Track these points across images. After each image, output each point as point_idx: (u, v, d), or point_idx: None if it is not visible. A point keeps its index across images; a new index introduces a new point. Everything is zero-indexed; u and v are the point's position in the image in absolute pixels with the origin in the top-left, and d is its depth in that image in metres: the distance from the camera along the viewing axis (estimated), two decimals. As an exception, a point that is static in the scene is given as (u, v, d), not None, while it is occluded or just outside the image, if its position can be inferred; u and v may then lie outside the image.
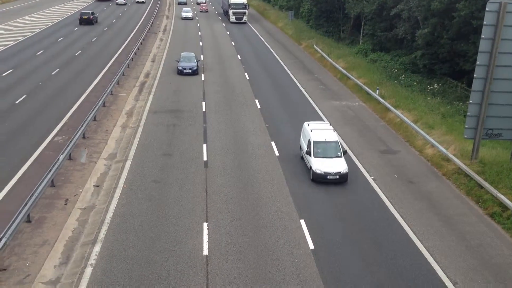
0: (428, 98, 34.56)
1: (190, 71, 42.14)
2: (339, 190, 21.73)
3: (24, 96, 34.23)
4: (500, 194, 20.16)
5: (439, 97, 34.95)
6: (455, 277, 15.98)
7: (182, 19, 76.07)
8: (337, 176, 21.91)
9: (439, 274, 16.09)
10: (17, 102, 33.05)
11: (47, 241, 17.58)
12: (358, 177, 23.15)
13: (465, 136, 23.48)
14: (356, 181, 22.76)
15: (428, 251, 17.34)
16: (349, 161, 24.96)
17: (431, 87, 37.15)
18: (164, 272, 15.83)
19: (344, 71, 42.29)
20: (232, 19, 75.08)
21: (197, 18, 79.94)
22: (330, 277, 15.79)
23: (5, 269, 15.94)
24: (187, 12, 77.95)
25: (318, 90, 39.01)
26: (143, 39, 57.00)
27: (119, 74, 39.52)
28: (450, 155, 24.09)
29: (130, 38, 59.71)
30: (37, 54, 48.48)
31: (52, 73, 41.35)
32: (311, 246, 17.44)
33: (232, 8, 74.84)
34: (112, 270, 15.92)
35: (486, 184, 21.14)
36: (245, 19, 75.24)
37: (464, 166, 22.83)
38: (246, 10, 75.38)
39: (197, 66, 42.74)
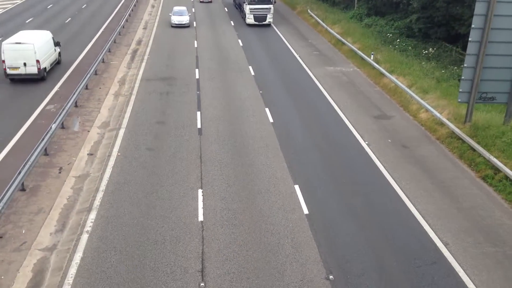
0: (423, 63, 34.35)
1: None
2: (334, 156, 21.79)
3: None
4: (492, 157, 20.29)
5: (434, 62, 34.74)
6: (447, 238, 16.22)
7: (173, 26, 47.68)
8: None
9: (430, 235, 16.33)
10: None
11: (42, 209, 17.65)
12: (352, 142, 23.19)
13: (459, 100, 23.45)
14: (350, 146, 22.82)
15: (420, 213, 17.55)
16: (343, 126, 24.99)
17: (426, 51, 36.88)
18: (160, 238, 15.98)
19: (339, 37, 41.85)
20: (250, 20, 48.03)
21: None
22: (323, 241, 15.99)
23: (1, 237, 16.05)
24: (180, 15, 47.96)
25: (312, 56, 38.67)
26: (134, 6, 56.01)
27: (111, 41, 38.96)
28: (444, 119, 24.12)
29: (121, 4, 58.66)
30: (27, 22, 47.61)
31: (43, 42, 40.61)
32: (305, 211, 17.59)
33: (249, 3, 47.71)
34: (108, 237, 16.05)
35: (478, 147, 21.25)
36: (269, 19, 48.20)
37: (458, 130, 22.89)
38: (271, 6, 48.17)
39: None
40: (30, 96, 28.34)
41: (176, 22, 47.35)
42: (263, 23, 48.14)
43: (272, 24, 49.39)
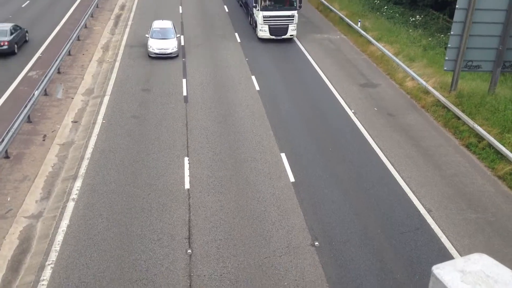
0: (410, 30, 34.21)
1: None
2: (320, 124, 21.84)
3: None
4: (476, 125, 20.52)
5: (421, 29, 34.62)
6: (430, 205, 16.52)
7: (151, 56, 29.16)
8: None
9: (414, 202, 16.61)
10: (-13, 36, 31.73)
11: (27, 177, 17.52)
12: (338, 111, 23.23)
13: (445, 68, 23.50)
14: (336, 114, 22.86)
15: (404, 181, 17.79)
16: (329, 95, 24.96)
17: (413, 18, 36.69)
18: (146, 206, 16.01)
19: (326, 3, 41.34)
20: (263, 33, 32.44)
21: None
22: (309, 208, 16.18)
23: (-14, 205, 15.94)
24: (162, 40, 29.36)
25: (299, 23, 38.17)
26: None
27: (93, 6, 38.00)
28: (430, 88, 24.21)
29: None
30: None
31: (23, 5, 39.59)
32: (292, 179, 17.71)
33: (262, 9, 31.95)
34: (95, 204, 16.04)
35: (463, 116, 21.44)
36: (291, 32, 32.73)
37: (443, 98, 23.03)
38: (294, 13, 32.50)
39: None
40: (12, 62, 27.71)
41: (157, 52, 28.69)
42: (283, 37, 32.55)
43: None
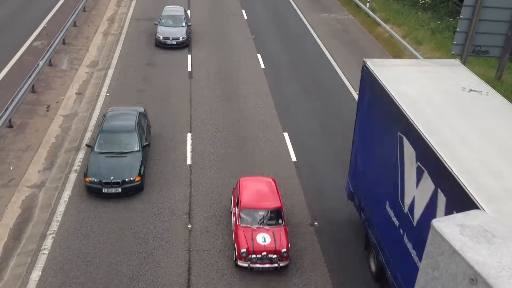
0: (419, 13, 33.80)
1: None
2: (324, 104, 21.77)
3: (0, -2, 32.62)
4: (481, 111, 20.40)
5: (430, 12, 34.19)
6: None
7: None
8: None
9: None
10: (-8, 4, 31.56)
11: (30, 147, 17.58)
12: (343, 92, 23.12)
13: (453, 52, 23.26)
14: (341, 95, 22.75)
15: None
16: (334, 76, 24.81)
17: (423, 1, 36.20)
18: (147, 180, 16.08)
19: (335, -18, 40.76)
20: None
21: None
22: (310, 188, 16.24)
23: (-11, 173, 16.05)
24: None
25: (307, 1, 37.78)
26: None
27: (100, -23, 37.52)
28: (436, 72, 24.01)
29: None
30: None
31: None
32: (294, 159, 17.74)
33: None
34: (97, 177, 16.10)
35: (468, 102, 21.29)
36: None
37: (449, 83, 22.85)
38: None
39: None
40: (17, 31, 27.56)
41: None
42: None
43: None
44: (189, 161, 17.20)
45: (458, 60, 14.49)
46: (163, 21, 27.54)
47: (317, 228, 14.53)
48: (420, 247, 9.49)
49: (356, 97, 22.56)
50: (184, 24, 27.42)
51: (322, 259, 13.41)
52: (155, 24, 27.75)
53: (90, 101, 20.92)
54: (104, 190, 14.83)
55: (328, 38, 29.80)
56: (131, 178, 15.02)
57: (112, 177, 14.84)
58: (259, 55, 26.57)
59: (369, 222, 12.72)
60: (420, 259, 9.16)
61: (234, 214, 13.61)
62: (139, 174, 15.20)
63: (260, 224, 13.01)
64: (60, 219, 14.24)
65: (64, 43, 26.38)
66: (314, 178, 16.77)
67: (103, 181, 14.80)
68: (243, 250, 12.42)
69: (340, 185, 16.45)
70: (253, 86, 23.05)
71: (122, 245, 13.46)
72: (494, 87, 22.14)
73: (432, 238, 2.82)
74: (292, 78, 24.12)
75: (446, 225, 2.81)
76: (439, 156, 9.00)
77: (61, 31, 26.15)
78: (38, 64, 22.01)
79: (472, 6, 21.79)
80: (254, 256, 12.46)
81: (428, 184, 9.40)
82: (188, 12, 32.47)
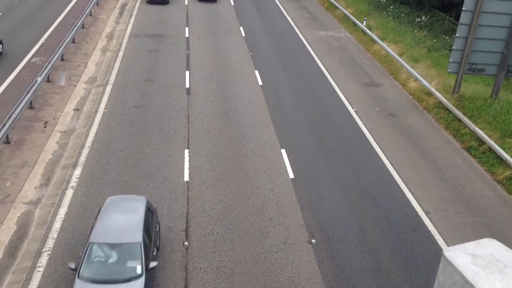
0: (415, 31, 34.13)
1: None
2: (321, 121, 21.83)
3: (0, 14, 32.85)
4: (477, 128, 20.51)
5: (426, 30, 34.53)
6: (428, 207, 16.54)
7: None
8: None
9: (412, 203, 16.62)
10: (-9, 20, 31.73)
11: (27, 163, 17.53)
12: (340, 109, 23.21)
13: (449, 70, 23.46)
14: (338, 112, 22.84)
15: (403, 181, 17.79)
16: (331, 92, 24.93)
17: (419, 19, 36.58)
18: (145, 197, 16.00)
19: (332, 0, 41.22)
20: None
21: None
22: (308, 205, 16.20)
23: (-15, 190, 15.96)
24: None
25: (304, 19, 38.14)
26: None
27: (99, -6, 37.87)
28: (432, 89, 24.19)
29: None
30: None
31: (28, -9, 39.42)
32: (291, 175, 17.72)
33: None
34: (94, 193, 16.05)
35: (464, 119, 21.42)
36: None
37: (445, 100, 23.00)
38: None
39: None
40: (16, 48, 27.67)
41: None
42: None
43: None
44: (186, 178, 17.16)
45: None
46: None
47: (314, 245, 14.45)
48: None
49: (353, 112, 22.65)
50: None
51: (319, 277, 13.31)
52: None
53: (87, 117, 20.93)
54: None
55: (325, 56, 30.01)
56: None
57: None
58: (257, 72, 26.70)
59: None
60: None
61: None
62: None
63: None
64: (55, 236, 14.14)
65: (62, 60, 26.48)
66: (311, 195, 16.74)
67: None
68: None
69: (338, 202, 16.41)
70: (251, 102, 23.12)
71: (118, 263, 13.32)
72: (490, 104, 22.31)
73: (444, 267, 2.77)
74: (289, 95, 24.21)
75: (457, 255, 2.76)
76: None
77: (60, 47, 26.26)
78: (36, 80, 22.06)
79: (467, 25, 22.04)
80: None
81: None
82: (187, 28, 32.72)
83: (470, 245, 2.87)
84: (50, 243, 13.86)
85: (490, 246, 2.90)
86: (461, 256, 2.77)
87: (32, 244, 13.87)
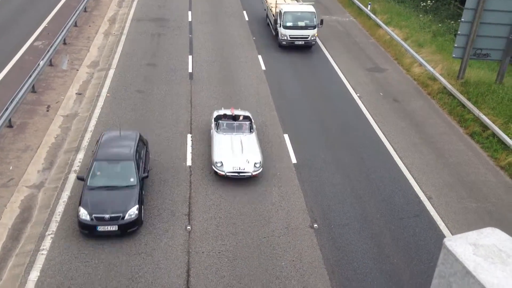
0: (420, 15, 33.78)
1: None
2: (325, 107, 21.73)
3: (1, -2, 32.65)
4: (481, 114, 20.39)
5: (432, 15, 34.17)
6: (430, 192, 16.52)
7: None
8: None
9: (415, 189, 16.60)
10: (-7, 3, 31.58)
11: (29, 147, 17.55)
12: (343, 94, 23.09)
13: (454, 55, 23.26)
14: (342, 97, 22.73)
15: (406, 167, 17.76)
16: (335, 77, 24.78)
17: (424, 3, 36.18)
18: (147, 181, 16.03)
19: (336, -16, 40.74)
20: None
21: None
22: (310, 190, 16.20)
23: (-12, 173, 16.00)
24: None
25: (308, 3, 37.73)
26: None
27: (101, -23, 37.53)
28: (437, 74, 24.01)
29: None
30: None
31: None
32: (294, 160, 17.70)
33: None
34: (96, 177, 16.05)
35: (469, 104, 21.29)
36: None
37: (449, 85, 22.84)
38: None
39: None
40: (18, 31, 27.55)
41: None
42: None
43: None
44: (189, 163, 17.16)
45: None
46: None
47: (316, 230, 14.48)
48: None
49: (356, 98, 22.53)
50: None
51: (321, 261, 13.36)
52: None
53: (90, 101, 20.90)
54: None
55: (330, 40, 29.77)
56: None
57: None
58: (260, 57, 26.54)
59: None
60: None
61: None
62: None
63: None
64: (59, 219, 14.20)
65: (65, 43, 26.36)
66: (314, 180, 16.73)
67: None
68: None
69: (340, 187, 16.40)
70: (254, 87, 23.01)
71: (121, 246, 13.41)
72: (495, 90, 22.12)
73: (444, 257, 2.71)
74: (293, 80, 24.08)
75: (459, 244, 2.70)
76: None
77: (62, 31, 26.13)
78: (39, 64, 21.99)
79: (473, 9, 21.79)
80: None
81: None
82: (189, 13, 32.47)
83: (472, 234, 2.81)
84: (53, 227, 13.92)
85: (492, 236, 2.84)
86: (463, 245, 2.72)
87: (36, 228, 13.94)
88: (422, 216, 15.39)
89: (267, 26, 31.31)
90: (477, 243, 2.75)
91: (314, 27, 27.14)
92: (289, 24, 26.90)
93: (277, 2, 28.90)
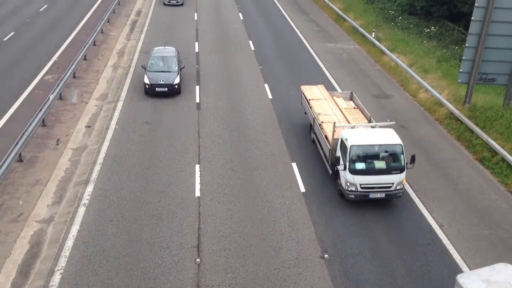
0: (424, 42, 34.03)
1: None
2: (331, 134, 21.73)
3: (12, 33, 33.37)
4: (490, 139, 20.30)
5: (435, 41, 34.41)
6: (442, 220, 16.34)
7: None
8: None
9: (426, 217, 16.44)
10: (5, 39, 32.24)
11: (39, 181, 17.66)
12: (350, 121, 23.10)
13: (459, 80, 23.31)
14: (349, 125, 22.73)
15: (416, 194, 17.62)
16: (342, 105, 24.84)
17: (428, 30, 36.48)
18: (156, 213, 16.04)
19: (340, 12, 41.32)
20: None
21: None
22: (319, 220, 16.09)
23: (-2, 208, 16.09)
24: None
25: (313, 31, 38.24)
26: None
27: (110, 11, 38.41)
28: (443, 100, 24.03)
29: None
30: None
31: (40, 10, 40.13)
32: (302, 189, 17.65)
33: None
34: (105, 210, 16.10)
35: (477, 129, 21.23)
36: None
37: (456, 110, 22.83)
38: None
39: None
40: (28, 65, 28.05)
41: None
42: None
43: (273, -2, 48.73)
44: (197, 193, 17.16)
45: None
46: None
47: (327, 260, 14.33)
48: None
49: (364, 126, 22.50)
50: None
51: (333, 293, 13.17)
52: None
53: (99, 134, 21.08)
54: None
55: (335, 68, 30.00)
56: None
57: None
58: (266, 86, 26.76)
59: None
60: None
61: None
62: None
63: None
64: (68, 254, 14.17)
65: (74, 77, 26.77)
66: (323, 209, 16.64)
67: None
68: None
69: (350, 216, 16.28)
70: (261, 116, 23.14)
71: (130, 281, 13.33)
72: (502, 114, 22.05)
73: None
74: (299, 108, 24.17)
75: (471, 281, 2.70)
76: None
77: (72, 64, 26.58)
78: (49, 98, 22.31)
79: (477, 34, 21.93)
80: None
81: None
82: (196, 44, 32.95)
83: (485, 271, 2.80)
84: (62, 262, 13.89)
85: (505, 271, 2.83)
86: (476, 282, 2.71)
87: (45, 263, 13.91)
88: (434, 244, 15.20)
89: (273, 56, 31.60)
90: (490, 280, 2.74)
91: (401, 170, 16.59)
92: (360, 166, 16.41)
93: (335, 124, 17.52)
